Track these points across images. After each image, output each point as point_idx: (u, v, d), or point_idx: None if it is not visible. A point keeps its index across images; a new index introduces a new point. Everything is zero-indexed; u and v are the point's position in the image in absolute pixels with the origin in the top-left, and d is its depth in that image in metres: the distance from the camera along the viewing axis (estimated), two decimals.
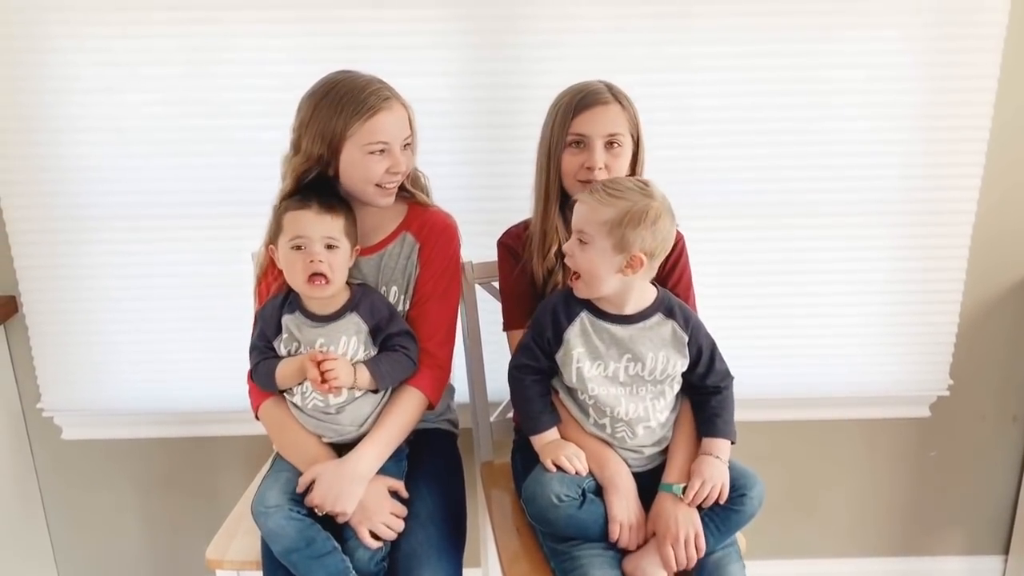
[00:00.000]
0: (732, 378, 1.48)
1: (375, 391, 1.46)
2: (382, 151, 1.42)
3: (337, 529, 1.37)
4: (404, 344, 1.47)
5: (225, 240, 1.93)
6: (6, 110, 1.86)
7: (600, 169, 1.45)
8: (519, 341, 1.50)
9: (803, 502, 2.25)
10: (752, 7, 1.83)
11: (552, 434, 1.44)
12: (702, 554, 1.34)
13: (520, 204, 1.62)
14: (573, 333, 1.41)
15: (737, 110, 1.89)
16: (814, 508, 2.26)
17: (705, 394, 1.45)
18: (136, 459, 2.15)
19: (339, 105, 1.40)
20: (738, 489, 1.36)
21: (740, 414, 2.16)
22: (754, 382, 2.04)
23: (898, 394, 2.12)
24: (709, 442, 1.40)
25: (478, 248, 1.68)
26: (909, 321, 2.06)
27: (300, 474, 1.41)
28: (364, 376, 1.42)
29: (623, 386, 1.40)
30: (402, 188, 1.54)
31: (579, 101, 1.46)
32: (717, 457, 1.37)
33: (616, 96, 1.47)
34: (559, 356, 1.42)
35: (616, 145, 1.46)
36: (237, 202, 1.90)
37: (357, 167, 1.43)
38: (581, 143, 1.47)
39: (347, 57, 1.72)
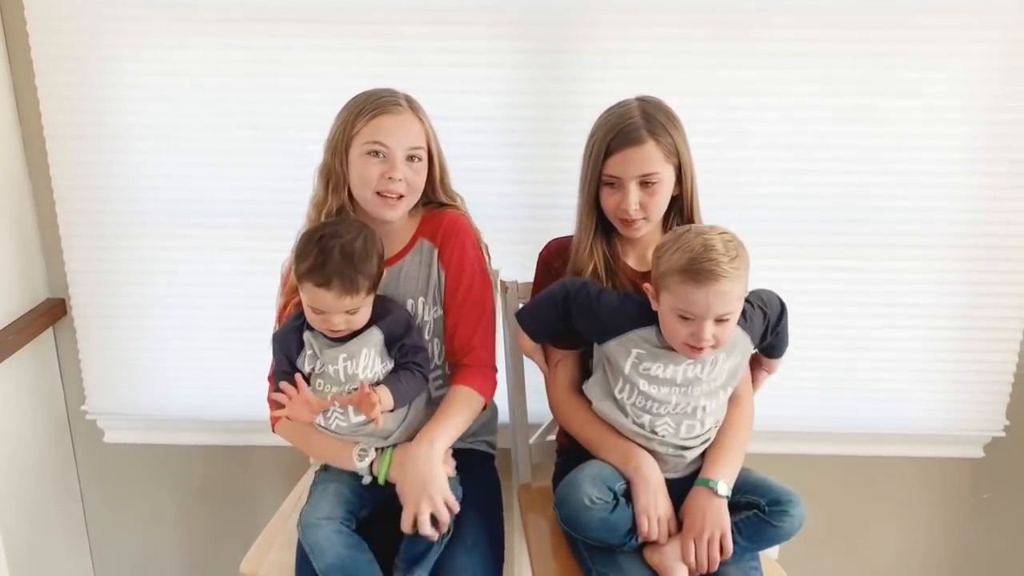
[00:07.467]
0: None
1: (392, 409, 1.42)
2: (377, 153, 1.41)
3: (385, 557, 1.35)
4: (418, 361, 1.43)
5: (272, 251, 1.88)
6: (64, 116, 1.89)
7: (635, 210, 1.42)
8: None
9: (847, 539, 2.19)
10: (811, 32, 1.80)
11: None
12: (727, 556, 1.30)
13: (570, 225, 1.60)
14: (640, 335, 1.38)
15: (793, 136, 1.86)
16: (858, 546, 2.20)
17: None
18: (176, 465, 2.16)
19: (349, 109, 1.44)
20: (780, 504, 1.33)
21: (788, 447, 2.10)
22: (802, 414, 2.00)
23: (951, 433, 2.05)
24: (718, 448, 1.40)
25: (526, 269, 1.66)
26: (966, 358, 1.99)
27: (349, 486, 1.40)
28: (388, 398, 1.37)
29: (678, 387, 1.37)
30: (430, 201, 1.54)
31: (611, 141, 1.41)
32: (716, 493, 1.33)
33: (652, 131, 1.40)
34: (613, 345, 1.39)
35: (652, 183, 1.42)
36: (284, 214, 1.86)
37: (356, 169, 1.42)
38: (615, 183, 1.44)
39: (401, 73, 1.73)
